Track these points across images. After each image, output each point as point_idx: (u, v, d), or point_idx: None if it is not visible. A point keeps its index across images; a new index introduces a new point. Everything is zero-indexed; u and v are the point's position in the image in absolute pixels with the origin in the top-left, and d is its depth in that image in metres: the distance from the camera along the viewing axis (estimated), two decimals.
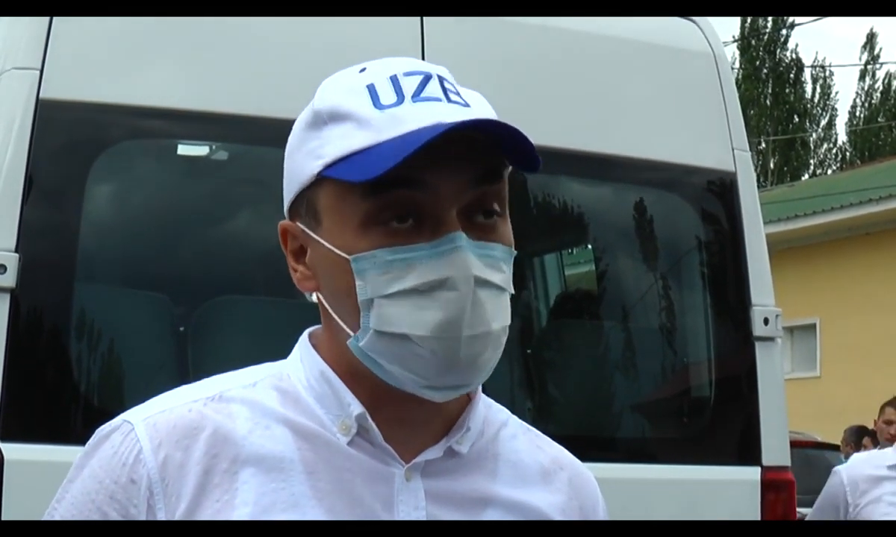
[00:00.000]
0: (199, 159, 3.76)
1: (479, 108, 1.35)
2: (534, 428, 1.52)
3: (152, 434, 1.35)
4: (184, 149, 3.68)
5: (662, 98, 3.95)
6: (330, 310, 1.37)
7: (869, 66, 45.49)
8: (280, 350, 1.47)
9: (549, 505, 1.45)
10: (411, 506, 1.36)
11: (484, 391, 1.47)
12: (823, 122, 46.63)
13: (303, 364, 1.42)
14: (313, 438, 1.37)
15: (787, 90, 45.27)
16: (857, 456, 4.73)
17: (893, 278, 19.98)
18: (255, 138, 3.46)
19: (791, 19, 41.40)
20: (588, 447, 2.89)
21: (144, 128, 3.40)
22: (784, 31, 43.85)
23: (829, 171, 42.96)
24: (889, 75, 46.86)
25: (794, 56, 45.58)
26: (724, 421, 3.92)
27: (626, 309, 4.03)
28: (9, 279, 3.09)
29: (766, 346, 3.88)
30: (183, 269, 3.47)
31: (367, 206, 1.31)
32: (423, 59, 3.04)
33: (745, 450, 3.85)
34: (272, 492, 1.34)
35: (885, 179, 21.37)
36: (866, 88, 45.75)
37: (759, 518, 3.76)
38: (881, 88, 45.55)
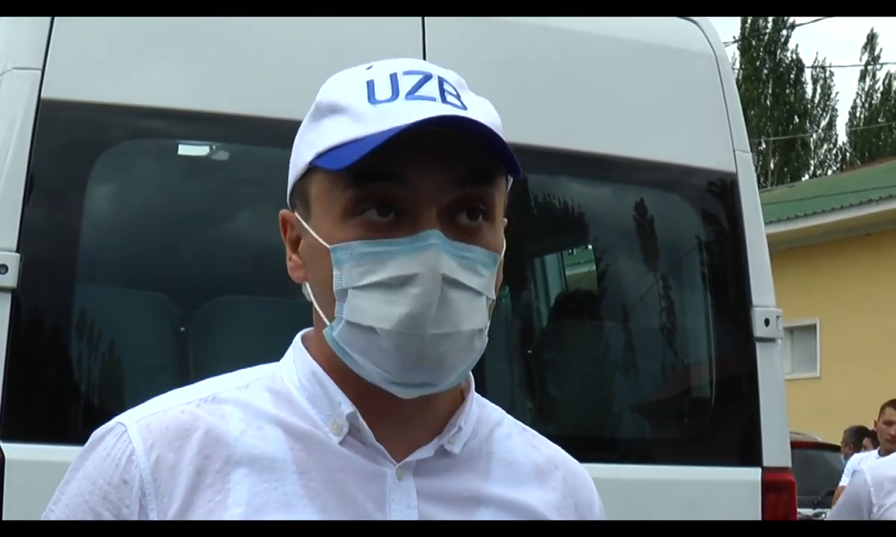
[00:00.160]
0: (200, 159, 3.76)
1: (478, 113, 1.35)
2: (530, 428, 1.52)
3: (145, 435, 1.36)
4: (184, 150, 3.68)
5: (663, 98, 3.94)
6: (313, 300, 1.39)
7: (869, 67, 45.56)
8: (281, 350, 1.47)
9: (543, 503, 1.44)
10: (403, 505, 1.36)
11: (485, 391, 1.46)
12: (824, 123, 46.70)
13: (295, 365, 1.42)
14: (305, 438, 1.37)
15: (788, 91, 45.28)
16: (880, 460, 4.68)
17: (893, 279, 19.97)
18: (255, 138, 3.47)
19: (791, 20, 41.50)
20: (588, 447, 2.90)
21: (145, 128, 3.40)
22: (784, 32, 43.91)
23: (830, 172, 42.98)
24: (889, 76, 46.90)
25: (794, 56, 45.67)
26: (724, 421, 3.92)
27: (626, 309, 4.02)
28: (10, 279, 3.09)
29: (766, 347, 3.87)
30: (184, 269, 3.47)
31: (348, 197, 1.33)
32: (423, 58, 3.05)
33: (746, 451, 3.85)
34: (264, 492, 1.34)
35: (886, 180, 21.36)
36: (866, 89, 45.82)
37: (759, 518, 3.76)
38: (881, 89, 45.62)
